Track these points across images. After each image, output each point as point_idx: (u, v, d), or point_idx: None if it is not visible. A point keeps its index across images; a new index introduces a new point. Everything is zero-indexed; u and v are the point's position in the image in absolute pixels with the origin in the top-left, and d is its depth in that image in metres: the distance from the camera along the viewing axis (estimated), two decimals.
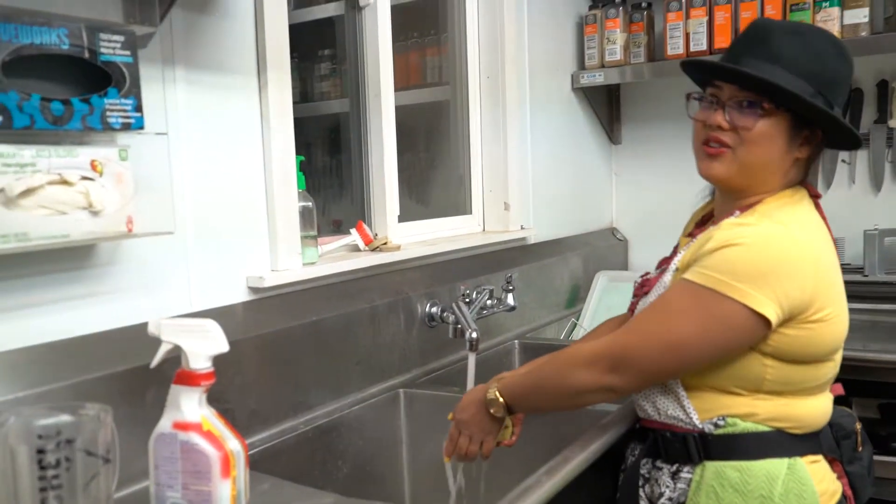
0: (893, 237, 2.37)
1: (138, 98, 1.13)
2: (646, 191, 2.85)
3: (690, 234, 1.35)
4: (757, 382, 1.16)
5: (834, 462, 1.25)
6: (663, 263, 1.35)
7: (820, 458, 1.22)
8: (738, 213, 1.22)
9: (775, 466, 1.16)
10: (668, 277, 1.24)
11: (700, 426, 1.19)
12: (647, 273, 1.38)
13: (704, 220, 1.38)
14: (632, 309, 1.37)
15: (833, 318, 1.15)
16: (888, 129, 2.44)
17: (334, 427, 1.51)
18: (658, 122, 2.78)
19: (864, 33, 2.21)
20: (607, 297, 2.45)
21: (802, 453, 1.19)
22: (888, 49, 2.22)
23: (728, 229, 1.14)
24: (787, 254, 1.11)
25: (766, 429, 1.17)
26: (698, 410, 1.20)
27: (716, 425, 1.18)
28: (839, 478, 1.25)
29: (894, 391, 2.02)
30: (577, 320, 2.38)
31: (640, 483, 1.27)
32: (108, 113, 1.09)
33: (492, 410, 1.29)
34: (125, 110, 1.11)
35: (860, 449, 1.28)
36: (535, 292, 2.27)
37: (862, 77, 2.48)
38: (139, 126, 1.13)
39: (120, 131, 1.11)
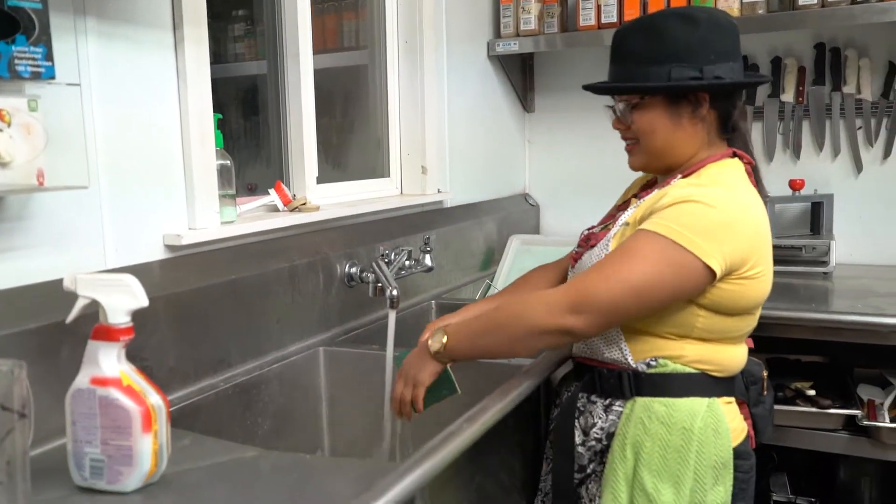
0: (783, 204, 2.50)
1: (48, 46, 1.07)
2: (557, 158, 2.90)
3: (636, 196, 1.43)
4: (687, 329, 1.26)
5: (742, 404, 1.36)
6: (607, 219, 1.43)
7: (733, 399, 1.33)
8: (679, 177, 1.30)
9: (697, 404, 1.26)
10: (613, 231, 1.31)
11: (634, 365, 1.29)
12: (592, 227, 1.44)
13: (650, 184, 1.46)
14: (575, 258, 1.42)
15: (761, 276, 1.25)
16: (780, 102, 2.56)
17: (254, 384, 1.50)
18: (570, 92, 2.83)
19: (761, 11, 2.30)
20: (520, 260, 2.49)
21: (719, 394, 1.29)
22: (781, 27, 2.32)
23: (683, 188, 1.23)
24: (734, 214, 1.20)
25: (691, 370, 1.27)
26: (633, 352, 1.29)
27: (648, 365, 1.28)
28: (745, 419, 1.36)
29: (781, 346, 2.15)
30: (492, 282, 2.42)
31: (576, 415, 1.35)
32: (16, 60, 1.03)
33: (432, 348, 1.30)
34: (35, 59, 1.06)
35: (765, 393, 1.40)
36: (451, 254, 2.30)
37: (757, 53, 2.59)
38: (50, 76, 1.08)
39: (29, 80, 1.06)
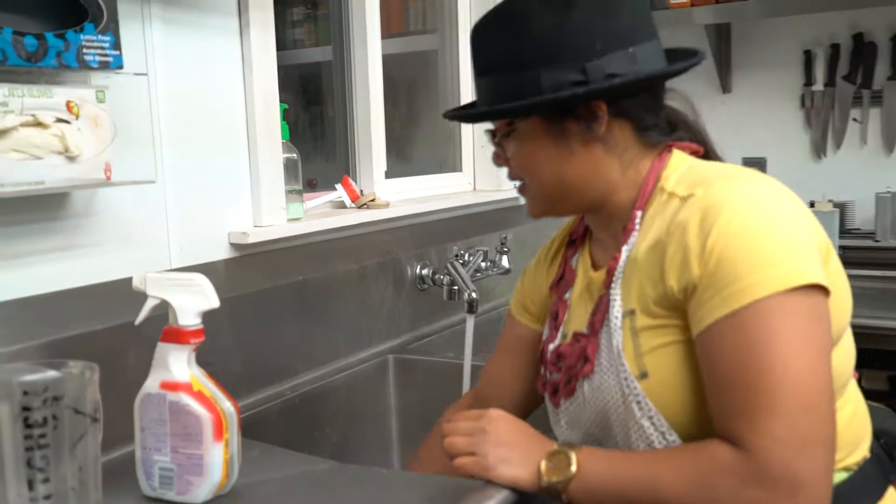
0: None
1: (116, 35, 1.12)
2: None
3: (563, 256, 1.15)
4: None
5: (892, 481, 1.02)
6: (559, 316, 1.10)
7: (890, 489, 0.99)
8: (638, 214, 0.99)
9: None
10: (618, 338, 0.96)
11: None
12: (552, 341, 1.09)
13: (577, 234, 1.15)
14: (559, 389, 1.06)
15: (841, 279, 0.96)
16: None
17: (321, 394, 1.54)
18: None
19: None
20: None
21: (879, 494, 0.97)
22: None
23: (696, 223, 0.89)
24: (795, 205, 0.92)
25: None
26: None
27: None
28: None
29: None
30: None
31: None
32: (84, 50, 1.08)
33: (546, 477, 0.93)
34: (103, 48, 1.10)
35: None
36: (528, 255, 2.28)
37: (875, 30, 2.51)
38: (118, 65, 1.13)
39: (97, 70, 1.11)
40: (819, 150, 2.61)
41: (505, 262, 1.99)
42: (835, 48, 2.57)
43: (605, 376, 0.98)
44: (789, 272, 0.84)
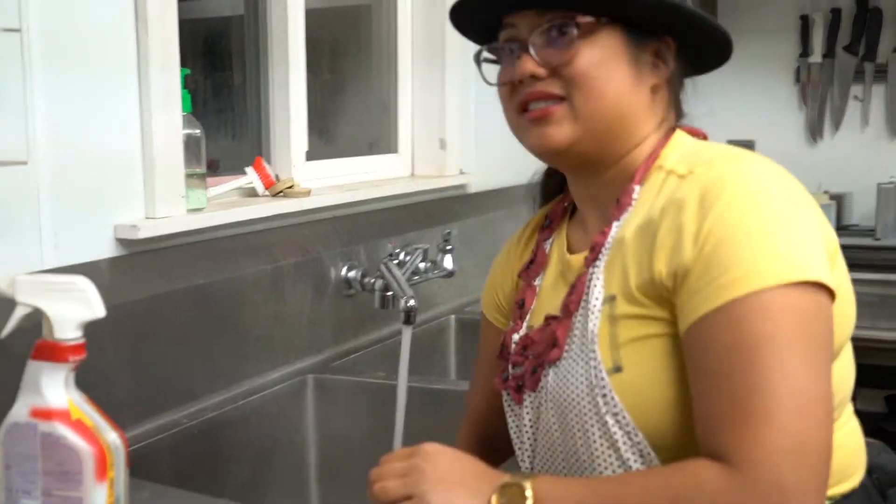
0: None
1: None
2: None
3: (537, 240, 1.21)
4: None
5: None
6: (524, 306, 1.15)
7: None
8: (636, 187, 1.04)
9: None
10: (594, 323, 1.00)
11: None
12: (516, 328, 1.14)
13: (550, 219, 1.21)
14: (528, 384, 1.09)
15: (845, 289, 1.00)
16: None
17: (227, 422, 1.54)
18: None
19: None
20: None
21: None
22: None
23: (707, 197, 0.93)
24: (805, 196, 0.97)
25: None
26: None
27: None
28: None
29: None
30: None
31: None
32: None
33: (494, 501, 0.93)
34: None
35: None
36: (476, 254, 2.32)
37: None
38: None
39: None
40: (815, 131, 2.69)
41: (448, 262, 2.01)
42: (836, 14, 2.65)
43: (574, 364, 1.01)
44: (794, 265, 0.88)
